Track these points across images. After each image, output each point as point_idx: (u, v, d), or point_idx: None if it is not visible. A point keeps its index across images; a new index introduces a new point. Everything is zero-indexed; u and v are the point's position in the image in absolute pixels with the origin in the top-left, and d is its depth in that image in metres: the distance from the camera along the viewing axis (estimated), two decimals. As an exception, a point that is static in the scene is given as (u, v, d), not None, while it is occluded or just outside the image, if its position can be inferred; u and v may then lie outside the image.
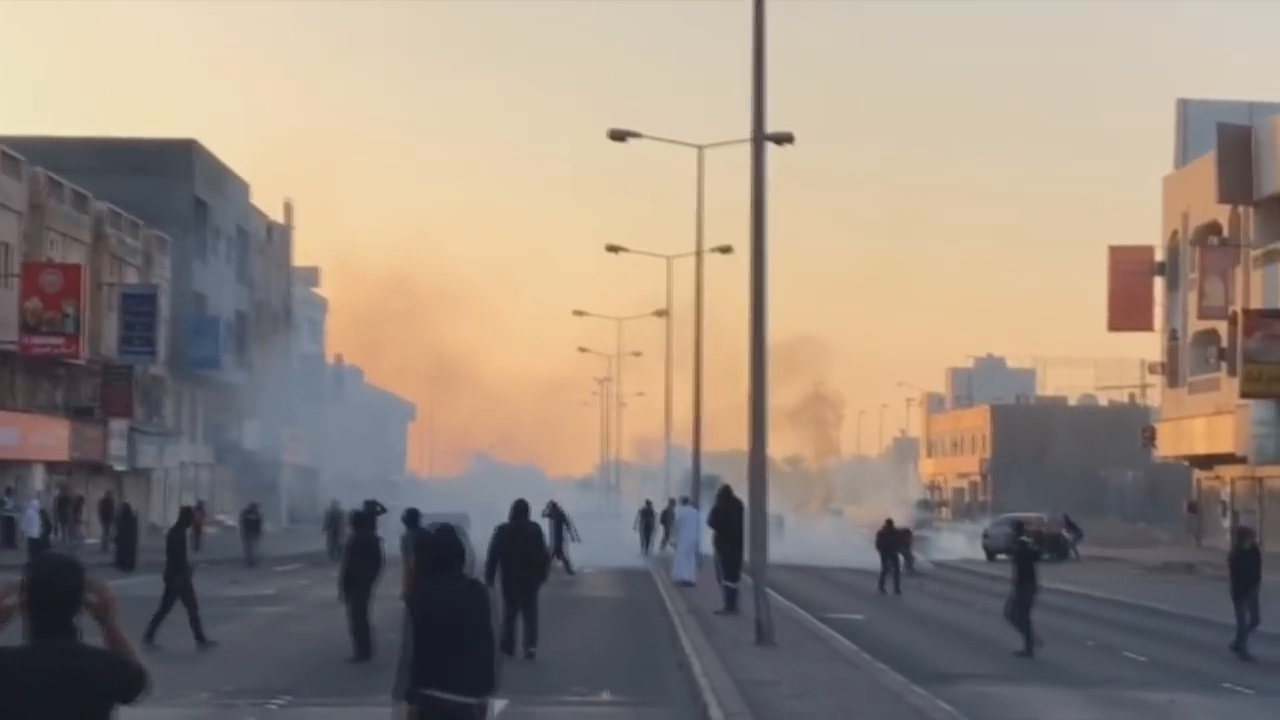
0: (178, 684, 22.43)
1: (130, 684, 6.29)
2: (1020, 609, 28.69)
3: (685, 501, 49.82)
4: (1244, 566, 29.23)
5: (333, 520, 55.37)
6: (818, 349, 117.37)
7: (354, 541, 25.60)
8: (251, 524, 55.77)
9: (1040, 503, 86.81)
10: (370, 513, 25.98)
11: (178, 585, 27.32)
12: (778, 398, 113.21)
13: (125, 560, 48.87)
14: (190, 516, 29.45)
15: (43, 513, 53.86)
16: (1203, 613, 38.38)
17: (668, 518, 62.04)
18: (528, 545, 24.87)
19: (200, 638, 26.91)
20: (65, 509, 57.34)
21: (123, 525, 50.86)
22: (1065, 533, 71.08)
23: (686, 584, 40.90)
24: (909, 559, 56.48)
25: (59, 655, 6.19)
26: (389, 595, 25.68)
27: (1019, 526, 31.78)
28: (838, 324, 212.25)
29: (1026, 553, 29.92)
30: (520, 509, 25.14)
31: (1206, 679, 25.39)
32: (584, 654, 26.85)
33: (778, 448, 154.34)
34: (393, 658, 24.06)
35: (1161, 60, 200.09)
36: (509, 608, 24.16)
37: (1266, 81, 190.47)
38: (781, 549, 58.53)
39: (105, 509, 61.33)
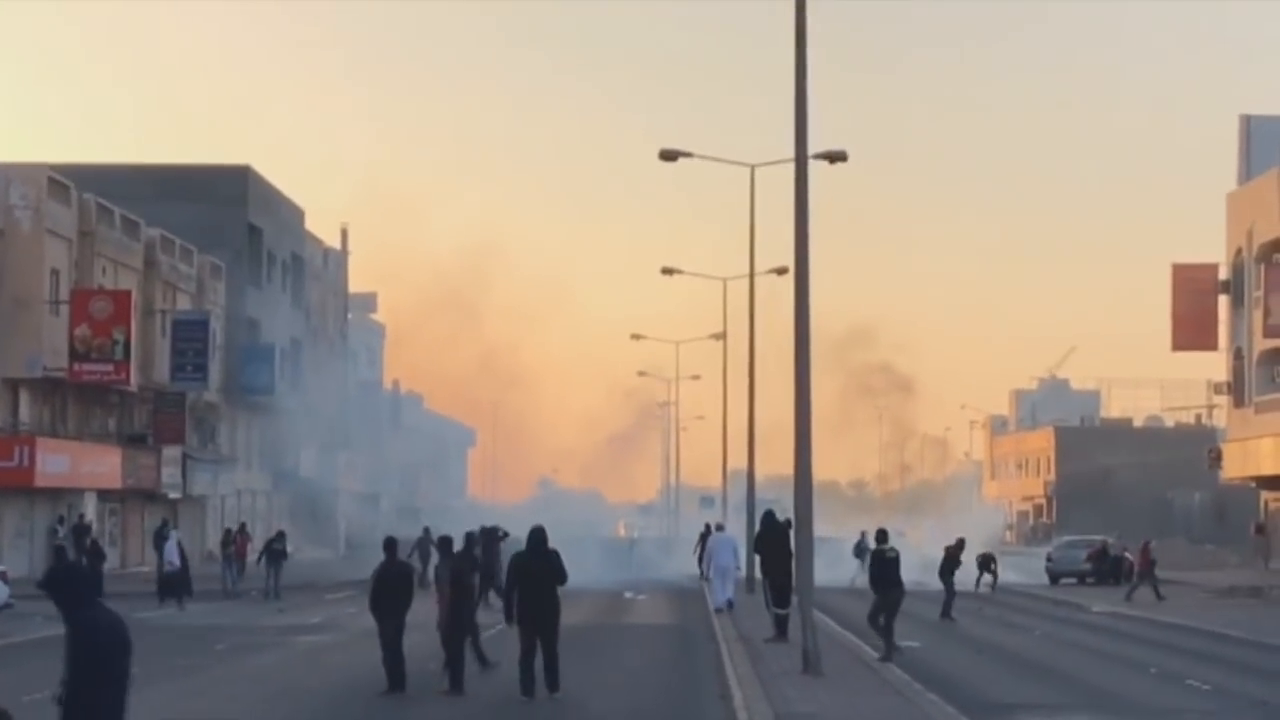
0: (205, 718, 21.78)
1: None
2: (886, 615, 28.97)
3: (720, 528, 49.11)
4: None
5: (422, 546, 51.96)
6: (892, 376, 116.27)
7: (384, 569, 24.51)
8: (275, 553, 52.33)
9: (1106, 526, 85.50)
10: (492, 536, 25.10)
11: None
12: (851, 418, 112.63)
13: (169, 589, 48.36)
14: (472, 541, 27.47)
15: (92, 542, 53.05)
16: (1271, 638, 37.30)
17: (703, 542, 61.17)
18: (543, 575, 22.88)
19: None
20: (81, 539, 55.77)
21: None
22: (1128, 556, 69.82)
23: (721, 609, 40.27)
24: (994, 577, 56.69)
25: None
26: (425, 624, 24.91)
27: (882, 535, 30.57)
28: (899, 347, 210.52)
29: (886, 560, 29.56)
30: (538, 537, 23.21)
31: (1274, 709, 24.33)
32: (625, 684, 26.02)
33: (854, 469, 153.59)
34: (427, 690, 23.59)
35: (1225, 75, 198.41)
36: (525, 644, 22.81)
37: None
38: (838, 573, 57.63)
39: (159, 539, 60.61)
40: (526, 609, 22.73)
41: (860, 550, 58.73)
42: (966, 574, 48.76)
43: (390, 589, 23.88)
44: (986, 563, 58.09)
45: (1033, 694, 25.88)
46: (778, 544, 32.68)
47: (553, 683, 22.82)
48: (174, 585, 46.56)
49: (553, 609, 22.79)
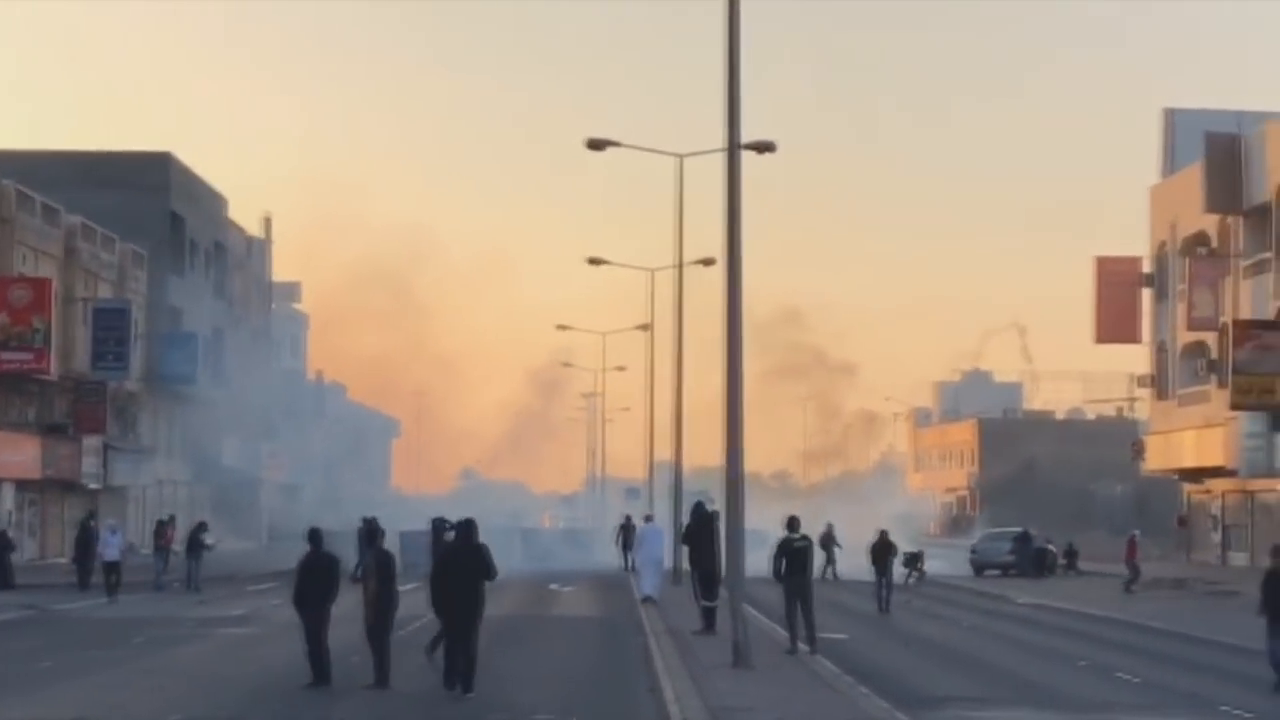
0: (121, 712, 21.41)
1: None
2: (802, 604, 28.55)
3: (649, 519, 48.86)
4: None
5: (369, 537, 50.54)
6: (821, 360, 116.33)
7: (308, 560, 24.06)
8: (197, 544, 50.90)
9: (1028, 518, 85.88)
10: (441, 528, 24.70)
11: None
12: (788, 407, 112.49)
13: (84, 579, 47.89)
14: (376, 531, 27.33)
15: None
16: (1197, 630, 37.41)
17: (627, 533, 61.17)
18: (471, 569, 22.27)
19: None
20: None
21: (81, 544, 49.45)
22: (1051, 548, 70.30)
23: (649, 600, 40.11)
24: (920, 574, 56.99)
25: None
26: (353, 618, 24.52)
27: (793, 523, 29.74)
28: (827, 336, 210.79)
29: (794, 549, 28.92)
30: (467, 530, 22.66)
31: (1203, 701, 24.31)
32: (552, 677, 25.74)
33: (777, 460, 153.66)
34: (352, 684, 23.25)
35: (1147, 69, 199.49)
36: (449, 639, 22.38)
37: (1254, 91, 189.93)
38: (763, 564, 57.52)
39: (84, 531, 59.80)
40: (450, 601, 22.22)
41: (826, 542, 58.79)
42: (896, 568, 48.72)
43: (315, 581, 23.53)
44: (914, 561, 58.31)
45: (963, 687, 25.77)
46: (706, 536, 32.46)
47: (467, 684, 22.34)
48: (110, 577, 45.96)
49: (475, 604, 22.22)
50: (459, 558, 22.43)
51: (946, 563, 68.69)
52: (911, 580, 56.86)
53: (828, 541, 58.75)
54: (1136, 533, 59.27)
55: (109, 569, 46.15)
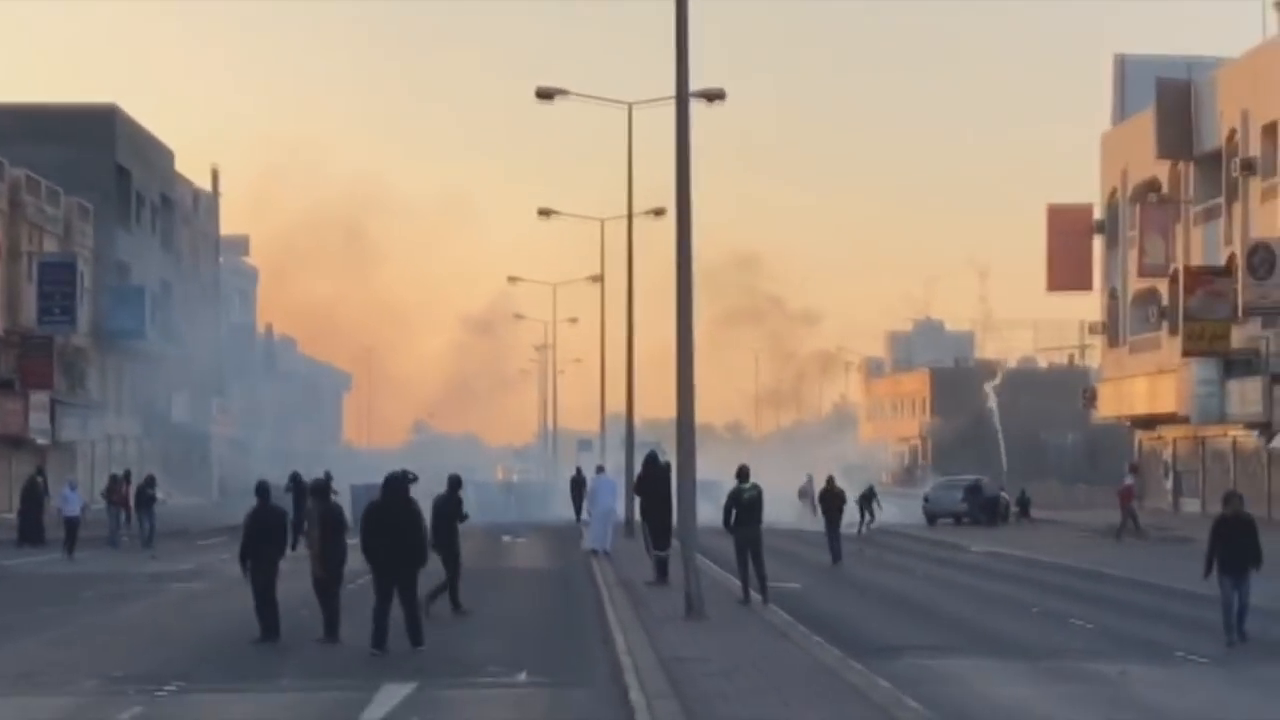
0: (68, 669, 21.15)
1: None
2: (752, 554, 28.36)
3: (601, 470, 48.49)
4: (1237, 539, 24.10)
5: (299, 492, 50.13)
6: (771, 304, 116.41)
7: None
8: (146, 499, 50.33)
9: (981, 467, 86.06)
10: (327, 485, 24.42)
11: (446, 550, 26.81)
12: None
13: (30, 535, 47.41)
14: (459, 483, 28.36)
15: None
16: (1150, 577, 37.44)
17: (579, 485, 60.70)
18: (403, 527, 21.90)
19: (456, 605, 27.12)
20: None
21: (27, 499, 49.04)
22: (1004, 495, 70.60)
23: (598, 552, 39.89)
24: (871, 516, 57.11)
25: None
26: (300, 571, 24.24)
27: (743, 472, 28.75)
28: (774, 287, 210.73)
29: (744, 500, 28.49)
30: (394, 483, 22.31)
31: (1158, 647, 24.22)
32: (504, 630, 25.54)
33: (729, 412, 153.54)
34: (302, 638, 23.00)
35: (1098, 16, 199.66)
36: (380, 599, 22.01)
37: (1205, 37, 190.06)
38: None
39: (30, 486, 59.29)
40: (382, 561, 21.88)
41: (804, 493, 58.73)
42: (849, 514, 48.64)
43: (263, 535, 23.25)
44: (868, 499, 58.33)
45: (918, 636, 25.64)
46: (658, 487, 32.23)
47: (415, 636, 22.14)
48: (71, 533, 45.41)
49: (411, 559, 21.90)
50: (390, 513, 22.03)
51: (900, 511, 68.72)
52: (866, 524, 56.91)
53: (868, 499, 58.75)
54: (1131, 478, 59.53)
55: (69, 525, 45.50)
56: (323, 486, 24.04)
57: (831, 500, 43.56)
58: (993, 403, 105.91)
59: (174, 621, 27.48)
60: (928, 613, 29.73)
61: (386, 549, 21.83)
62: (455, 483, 28.29)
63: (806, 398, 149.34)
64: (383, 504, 22.20)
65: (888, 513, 63.41)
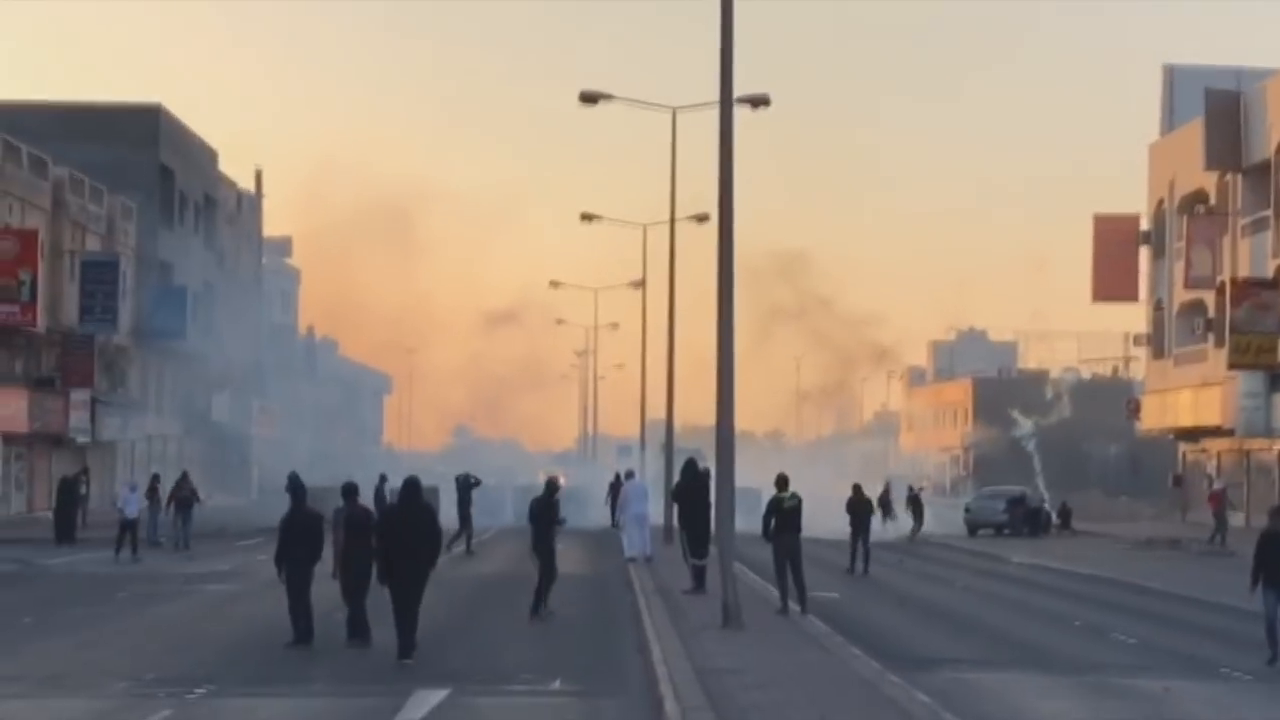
0: (98, 671, 20.97)
1: None
2: (791, 564, 28.03)
3: (630, 475, 48.12)
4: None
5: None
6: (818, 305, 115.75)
7: (291, 518, 23.50)
8: (183, 501, 49.93)
9: (1023, 478, 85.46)
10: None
11: (542, 553, 27.42)
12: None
13: (64, 534, 47.27)
14: (556, 487, 28.70)
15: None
16: (1193, 591, 36.99)
17: (616, 490, 60.12)
18: (416, 532, 21.66)
19: (536, 610, 27.41)
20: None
21: (62, 498, 48.90)
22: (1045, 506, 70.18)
23: (637, 560, 39.48)
24: (920, 521, 57.78)
25: None
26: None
27: (782, 481, 28.35)
28: (814, 296, 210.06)
29: (784, 509, 28.07)
30: (412, 490, 22.14)
31: (1201, 663, 23.86)
32: (538, 636, 25.30)
33: (770, 420, 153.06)
34: (335, 642, 22.78)
35: (1147, 26, 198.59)
36: (395, 604, 21.65)
37: (1254, 47, 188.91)
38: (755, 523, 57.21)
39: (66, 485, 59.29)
40: (395, 567, 21.58)
41: (884, 502, 58.49)
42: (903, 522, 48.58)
43: (298, 537, 22.99)
44: (916, 503, 58.60)
45: (958, 648, 25.30)
46: (697, 494, 31.92)
47: (405, 647, 21.60)
48: (131, 534, 45.02)
49: (421, 567, 21.63)
50: (404, 520, 21.85)
51: (941, 522, 68.25)
52: (915, 530, 57.23)
53: (916, 502, 60.95)
54: (1220, 483, 59.27)
55: (129, 526, 45.08)
56: (352, 488, 23.66)
57: (859, 508, 42.80)
58: (1023, 430, 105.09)
59: (207, 623, 27.31)
60: (968, 625, 29.39)
61: (401, 552, 21.58)
62: (552, 486, 28.22)
63: (852, 391, 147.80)
64: (400, 507, 22.11)
65: (928, 523, 63.01)
